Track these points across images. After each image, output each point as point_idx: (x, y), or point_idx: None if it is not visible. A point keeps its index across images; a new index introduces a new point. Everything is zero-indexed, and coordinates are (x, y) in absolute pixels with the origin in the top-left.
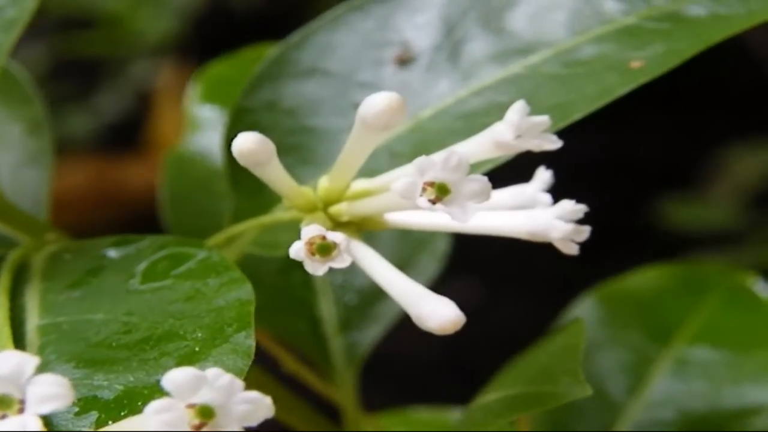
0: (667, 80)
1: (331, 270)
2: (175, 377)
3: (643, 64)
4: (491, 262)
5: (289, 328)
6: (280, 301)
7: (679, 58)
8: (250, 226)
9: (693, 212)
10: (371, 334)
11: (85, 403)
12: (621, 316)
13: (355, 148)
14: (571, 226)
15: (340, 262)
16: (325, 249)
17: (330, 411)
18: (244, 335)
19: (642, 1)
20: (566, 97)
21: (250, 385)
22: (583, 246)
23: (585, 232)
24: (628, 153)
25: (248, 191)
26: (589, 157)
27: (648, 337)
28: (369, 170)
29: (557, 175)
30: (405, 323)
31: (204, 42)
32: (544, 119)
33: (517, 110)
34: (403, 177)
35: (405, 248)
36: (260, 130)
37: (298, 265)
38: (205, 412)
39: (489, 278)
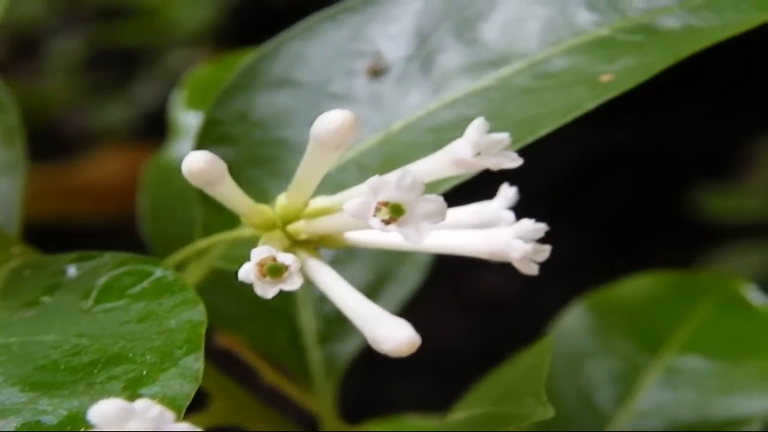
0: (705, 68)
1: (310, 280)
2: (102, 410)
3: (613, 78)
4: None
5: (269, 339)
6: (259, 312)
7: (650, 72)
8: (213, 242)
9: (729, 202)
10: (351, 345)
11: (27, 430)
12: (611, 324)
13: (310, 167)
14: (530, 247)
15: (291, 285)
16: (276, 270)
17: (310, 422)
18: (193, 358)
19: (615, 12)
20: (535, 110)
21: (225, 398)
22: (619, 235)
23: (545, 251)
24: (665, 141)
25: (216, 205)
26: (625, 144)
27: (638, 346)
28: (338, 183)
29: (593, 164)
30: (437, 313)
31: (240, 31)
32: (503, 137)
33: (476, 127)
34: (356, 197)
35: (386, 259)
36: (230, 142)
37: None
38: None
39: None
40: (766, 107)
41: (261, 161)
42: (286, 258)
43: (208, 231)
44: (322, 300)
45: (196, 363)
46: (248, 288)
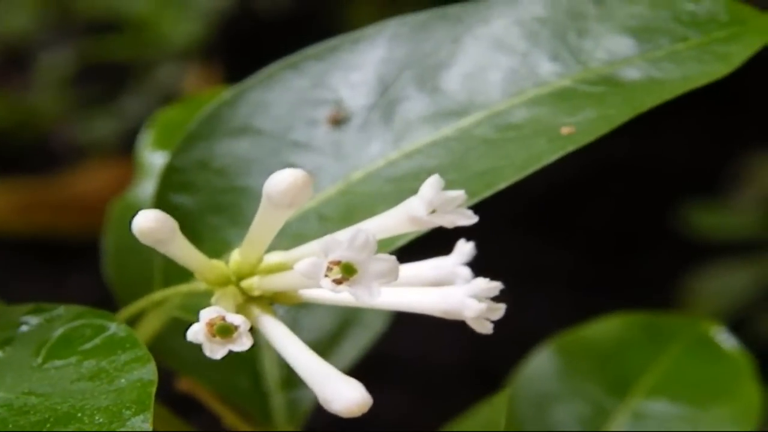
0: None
1: None
2: None
3: (574, 130)
4: (514, 267)
5: (231, 384)
6: (223, 357)
7: (610, 125)
8: (169, 294)
9: (716, 219)
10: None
11: None
12: (579, 367)
13: (263, 224)
14: (483, 306)
15: (240, 346)
16: (225, 330)
17: None
18: (141, 419)
19: (578, 63)
20: (495, 163)
21: None
22: (608, 251)
23: (500, 310)
24: (653, 157)
25: None
26: (613, 160)
27: (606, 389)
28: (298, 233)
29: (581, 180)
30: (425, 326)
31: (230, 45)
32: (458, 194)
33: (431, 185)
34: (307, 257)
35: (341, 316)
36: (191, 190)
37: None
38: None
39: (514, 282)
40: (754, 124)
41: (222, 209)
42: (235, 318)
43: (167, 279)
44: None
45: (144, 424)
46: None
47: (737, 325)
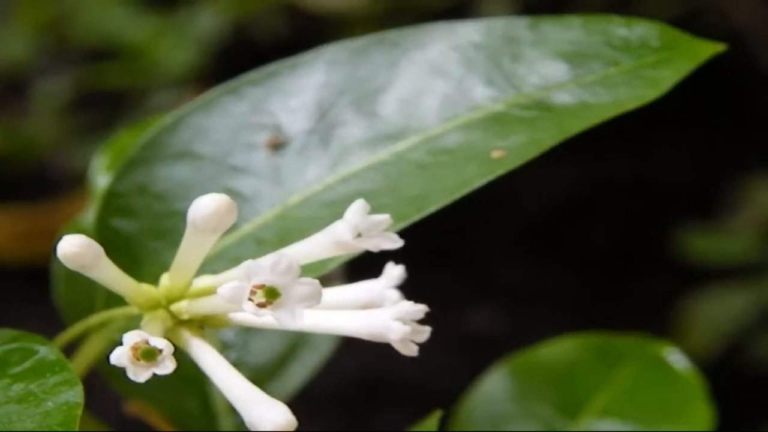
0: (691, 106)
1: (225, 347)
2: None
3: (504, 155)
4: (512, 288)
5: (180, 406)
6: (171, 379)
7: (539, 149)
8: (104, 318)
9: (712, 242)
10: None
11: None
12: (532, 388)
13: (190, 249)
14: (408, 328)
15: (163, 369)
16: (150, 354)
17: None
18: None
19: (512, 87)
20: (426, 187)
21: None
22: (604, 273)
23: (425, 333)
24: (650, 179)
25: None
26: (610, 183)
27: (557, 410)
28: (236, 257)
29: (577, 201)
30: (425, 349)
31: (226, 72)
32: (383, 218)
33: (356, 210)
34: (229, 282)
35: (289, 340)
36: (131, 215)
37: None
38: None
39: (510, 304)
40: (751, 147)
41: (161, 233)
42: (158, 342)
43: (109, 303)
44: (235, 367)
45: None
46: None
47: (734, 349)
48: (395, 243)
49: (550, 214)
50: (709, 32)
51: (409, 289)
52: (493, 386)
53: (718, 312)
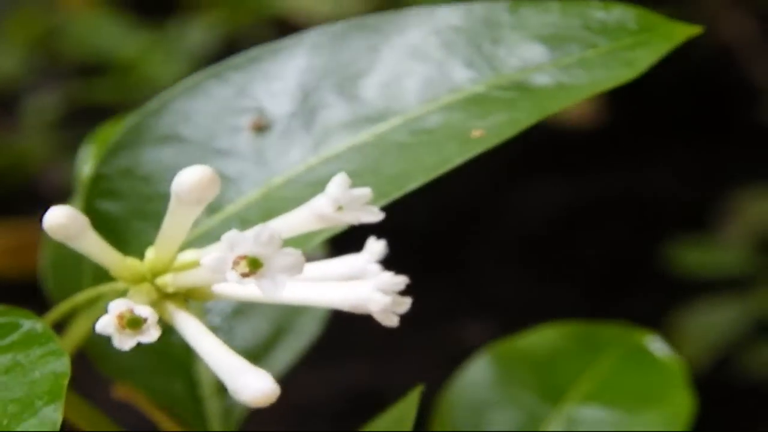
0: (682, 120)
1: (212, 331)
2: None
3: (484, 134)
4: (506, 302)
5: (167, 390)
6: (157, 363)
7: (518, 128)
8: (91, 295)
9: (704, 255)
10: None
11: None
12: (515, 375)
13: (174, 222)
14: (389, 299)
15: (148, 337)
16: (135, 323)
17: None
18: (53, 408)
19: (491, 69)
20: (406, 166)
21: None
22: (596, 286)
23: (405, 304)
24: (642, 194)
25: None
26: (602, 196)
27: (540, 397)
28: (220, 237)
29: (569, 216)
30: (418, 363)
31: None
32: (364, 192)
33: (337, 183)
34: (213, 252)
35: (285, 312)
36: (116, 197)
37: None
38: None
39: (504, 318)
40: (742, 160)
41: (147, 215)
42: (143, 310)
43: (97, 281)
44: None
45: (55, 413)
46: None
47: (726, 361)
48: (375, 216)
49: (544, 229)
50: (698, 46)
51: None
52: (476, 373)
53: (709, 324)
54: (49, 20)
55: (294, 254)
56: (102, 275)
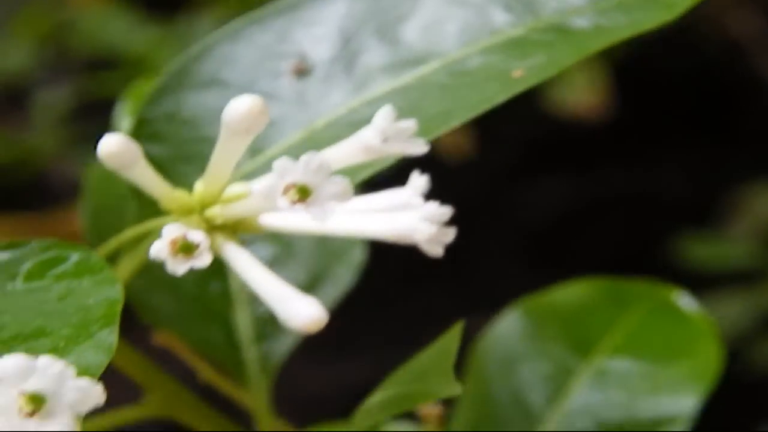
0: (689, 115)
1: None
2: (4, 365)
3: (524, 74)
4: (512, 299)
5: (206, 338)
6: (197, 312)
7: (558, 68)
8: (144, 232)
9: (711, 250)
10: (286, 343)
11: None
12: (545, 329)
13: (224, 152)
14: (435, 228)
15: (201, 262)
16: (187, 248)
17: (246, 421)
18: (108, 332)
19: (529, 13)
20: (449, 105)
21: (160, 391)
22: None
23: (450, 234)
24: (648, 189)
25: (149, 198)
26: (609, 193)
27: (570, 350)
28: None
29: (577, 212)
30: None
31: None
32: (410, 124)
33: (383, 115)
34: (264, 179)
35: (322, 260)
36: (160, 140)
37: (216, 277)
38: (36, 399)
39: None
40: (748, 155)
41: (190, 158)
42: (196, 235)
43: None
44: (258, 300)
45: (110, 336)
46: (185, 288)
47: (733, 355)
48: (421, 148)
49: (549, 225)
50: (706, 43)
51: (409, 302)
52: (506, 327)
53: (716, 319)
54: (58, 15)
55: (342, 182)
56: (143, 221)
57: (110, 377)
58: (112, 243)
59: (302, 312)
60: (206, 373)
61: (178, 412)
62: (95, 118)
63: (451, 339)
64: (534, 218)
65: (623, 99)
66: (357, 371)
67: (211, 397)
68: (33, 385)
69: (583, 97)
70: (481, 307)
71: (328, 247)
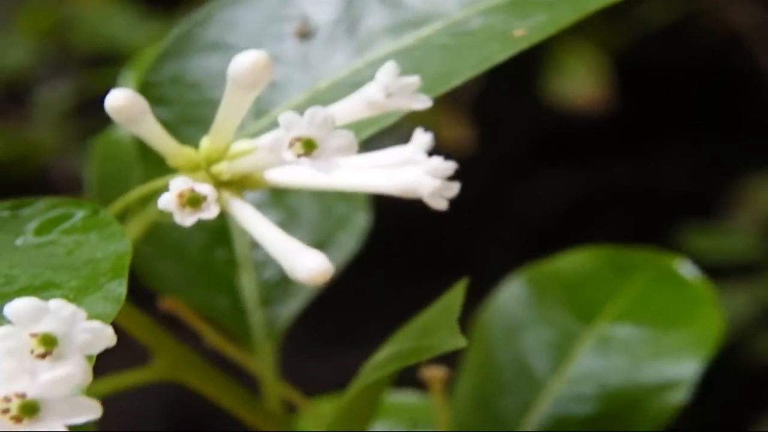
0: (691, 108)
1: (254, 245)
2: (16, 306)
3: (525, 33)
4: None
5: (212, 303)
6: (203, 277)
7: (558, 26)
8: (146, 191)
9: (714, 242)
10: (291, 307)
11: None
12: (548, 296)
13: (229, 107)
14: (439, 182)
15: (208, 214)
16: (194, 201)
17: (251, 384)
18: (117, 284)
19: None
20: (450, 65)
21: (168, 354)
22: None
23: (454, 188)
24: (651, 182)
25: (155, 161)
26: (612, 186)
27: (573, 316)
28: None
29: (581, 205)
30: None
31: None
32: (413, 80)
33: (387, 71)
34: (270, 134)
35: (326, 226)
36: (166, 103)
37: (221, 243)
38: (48, 341)
39: None
40: (750, 148)
41: (195, 120)
42: (203, 188)
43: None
44: (263, 265)
45: (119, 288)
46: (191, 255)
47: (735, 346)
48: (425, 103)
49: (551, 219)
50: (707, 35)
51: (410, 295)
52: (510, 295)
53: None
54: (59, 11)
55: (347, 135)
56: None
57: (118, 341)
58: (120, 203)
59: (308, 264)
60: (212, 338)
61: (185, 376)
62: (97, 114)
63: (455, 295)
64: (536, 211)
65: (625, 92)
66: (358, 364)
67: (217, 362)
68: (45, 326)
69: (583, 89)
70: (483, 300)
71: (332, 214)
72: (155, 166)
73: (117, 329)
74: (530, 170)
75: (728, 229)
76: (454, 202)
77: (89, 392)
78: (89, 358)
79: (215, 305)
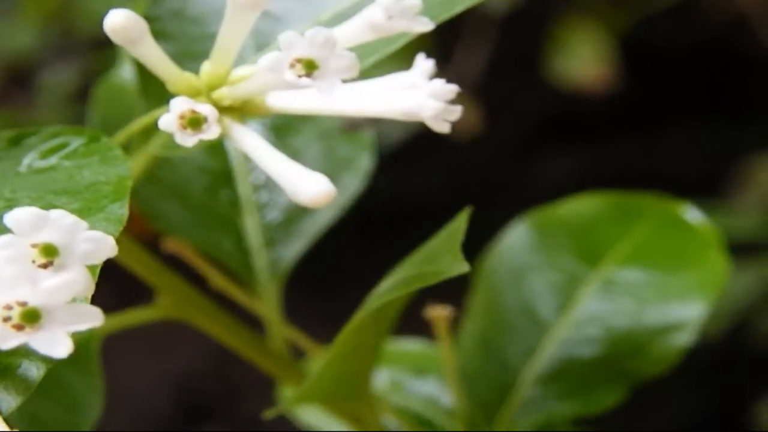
0: (698, 89)
1: (256, 188)
2: (17, 215)
3: None
4: None
5: (216, 245)
6: (206, 219)
7: None
8: (147, 122)
9: (718, 221)
10: (295, 248)
11: None
12: (553, 240)
13: (229, 31)
14: (442, 105)
15: (209, 134)
16: (195, 122)
17: (256, 325)
18: (119, 205)
19: None
20: None
21: (173, 293)
22: None
23: (456, 111)
24: (657, 162)
25: (158, 98)
26: (617, 164)
27: (579, 260)
28: None
29: (587, 185)
30: None
31: None
32: (415, 2)
33: None
34: (271, 54)
35: (329, 168)
36: (166, 38)
37: (224, 184)
38: (49, 251)
39: None
40: (755, 127)
41: (196, 55)
42: (204, 108)
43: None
44: (267, 206)
45: (120, 209)
46: (195, 196)
47: (741, 326)
48: (426, 26)
49: (559, 199)
50: (713, 15)
51: None
52: (515, 239)
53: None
54: None
55: (348, 56)
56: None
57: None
58: (122, 134)
59: (310, 186)
60: (216, 279)
61: (190, 314)
62: None
63: (458, 224)
64: (541, 192)
65: (630, 72)
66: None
67: (222, 303)
68: (46, 236)
69: (589, 70)
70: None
71: (335, 155)
72: (157, 100)
73: (122, 268)
74: (536, 151)
75: (734, 209)
76: (462, 184)
77: (95, 331)
78: (92, 268)
79: (219, 247)
